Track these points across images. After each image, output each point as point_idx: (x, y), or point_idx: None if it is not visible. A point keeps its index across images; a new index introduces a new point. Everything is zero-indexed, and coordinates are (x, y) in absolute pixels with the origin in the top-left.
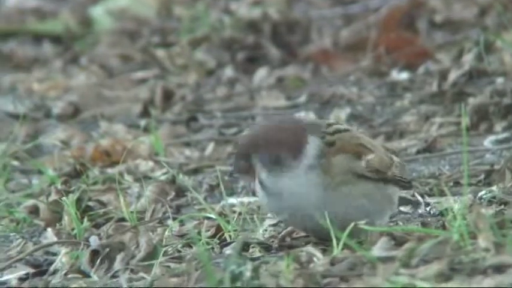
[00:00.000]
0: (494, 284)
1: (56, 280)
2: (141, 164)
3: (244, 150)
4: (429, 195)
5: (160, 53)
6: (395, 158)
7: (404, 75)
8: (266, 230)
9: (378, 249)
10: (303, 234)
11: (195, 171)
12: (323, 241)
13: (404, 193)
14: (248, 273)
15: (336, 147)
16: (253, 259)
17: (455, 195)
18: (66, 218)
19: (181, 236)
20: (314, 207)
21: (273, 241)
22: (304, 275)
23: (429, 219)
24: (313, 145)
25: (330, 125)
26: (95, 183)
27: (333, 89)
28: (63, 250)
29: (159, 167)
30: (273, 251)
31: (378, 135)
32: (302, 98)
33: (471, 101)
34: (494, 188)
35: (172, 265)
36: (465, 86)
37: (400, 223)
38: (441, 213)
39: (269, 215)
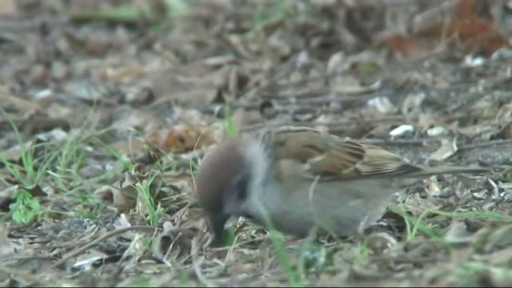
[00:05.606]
0: None
1: (129, 266)
2: None
3: (205, 213)
4: (503, 181)
5: (234, 39)
6: (367, 154)
7: (478, 61)
8: None
9: (452, 235)
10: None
11: None
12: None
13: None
14: (322, 259)
15: (283, 152)
16: (327, 245)
17: None
18: (139, 204)
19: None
20: (280, 215)
21: None
22: (378, 261)
23: (503, 205)
24: (259, 166)
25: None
26: (168, 169)
27: (407, 75)
28: (137, 236)
29: None
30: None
31: (452, 121)
32: (376, 84)
33: None
34: None
35: (246, 251)
36: None
37: (474, 209)
38: None
39: None
